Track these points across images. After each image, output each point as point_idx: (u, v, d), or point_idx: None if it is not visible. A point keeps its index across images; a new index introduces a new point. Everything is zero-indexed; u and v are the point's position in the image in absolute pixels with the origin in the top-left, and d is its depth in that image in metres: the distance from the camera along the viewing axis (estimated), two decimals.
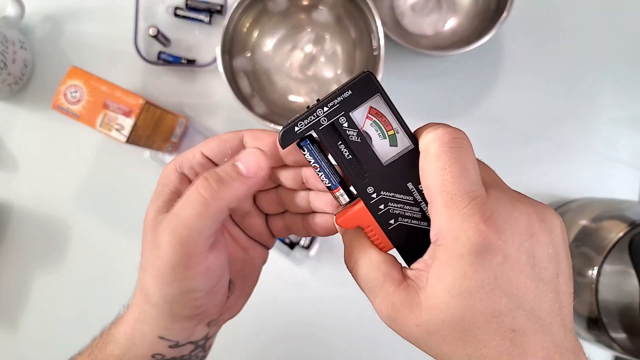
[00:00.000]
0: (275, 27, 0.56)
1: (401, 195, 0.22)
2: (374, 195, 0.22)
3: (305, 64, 0.56)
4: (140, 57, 0.55)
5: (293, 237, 0.57)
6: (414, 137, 0.22)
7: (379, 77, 0.48)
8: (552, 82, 0.60)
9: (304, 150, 0.22)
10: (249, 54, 0.55)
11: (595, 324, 0.45)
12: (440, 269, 0.19)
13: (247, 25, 0.55)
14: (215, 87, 0.58)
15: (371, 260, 0.22)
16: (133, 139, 0.47)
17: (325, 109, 0.21)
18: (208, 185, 0.21)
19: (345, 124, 0.21)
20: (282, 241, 0.57)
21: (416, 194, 0.22)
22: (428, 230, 0.21)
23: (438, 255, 0.20)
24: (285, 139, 0.22)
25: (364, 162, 0.22)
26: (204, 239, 0.21)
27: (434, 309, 0.19)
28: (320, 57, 0.56)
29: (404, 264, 0.23)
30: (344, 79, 0.54)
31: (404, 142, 0.22)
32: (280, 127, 0.53)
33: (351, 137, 0.22)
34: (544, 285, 0.19)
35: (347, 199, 0.23)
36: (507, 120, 0.59)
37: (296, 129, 0.21)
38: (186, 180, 0.24)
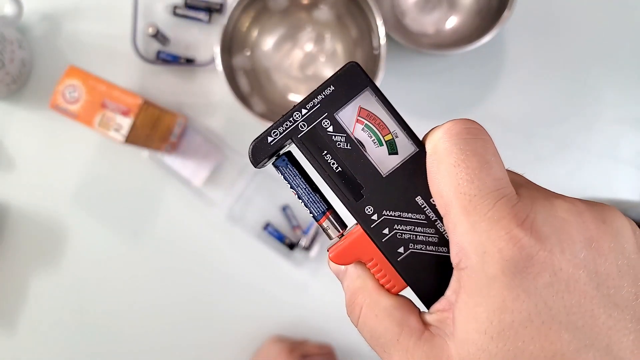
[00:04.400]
0: (276, 25, 0.55)
1: (410, 214, 0.17)
2: (375, 217, 0.17)
3: (305, 63, 0.55)
4: (138, 56, 0.54)
5: (293, 238, 0.57)
6: (418, 140, 0.18)
7: (380, 76, 0.47)
8: (554, 80, 0.59)
9: (278, 171, 0.19)
10: (248, 53, 0.54)
11: None
12: (470, 303, 0.15)
13: (247, 23, 0.54)
14: (214, 86, 0.58)
15: (380, 306, 0.17)
16: (131, 138, 0.47)
17: (304, 111, 0.17)
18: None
19: (330, 128, 0.17)
20: (282, 242, 0.56)
21: (428, 211, 0.17)
22: (449, 257, 0.16)
23: (464, 283, 0.15)
24: (257, 155, 0.18)
25: (358, 175, 0.17)
26: None
27: None
28: (320, 56, 0.55)
29: (422, 307, 0.18)
30: None
31: (406, 148, 0.17)
32: None
33: (339, 144, 0.17)
34: (619, 313, 0.14)
35: (339, 231, 0.19)
36: (509, 119, 0.59)
37: (269, 139, 0.17)
38: None
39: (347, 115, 0.17)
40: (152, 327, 0.58)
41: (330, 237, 0.19)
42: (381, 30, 0.48)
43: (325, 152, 0.18)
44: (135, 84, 0.58)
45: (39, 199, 0.58)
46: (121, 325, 0.59)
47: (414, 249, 0.17)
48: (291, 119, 0.17)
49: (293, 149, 0.19)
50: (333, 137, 0.17)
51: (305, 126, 0.17)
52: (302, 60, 0.55)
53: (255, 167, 0.18)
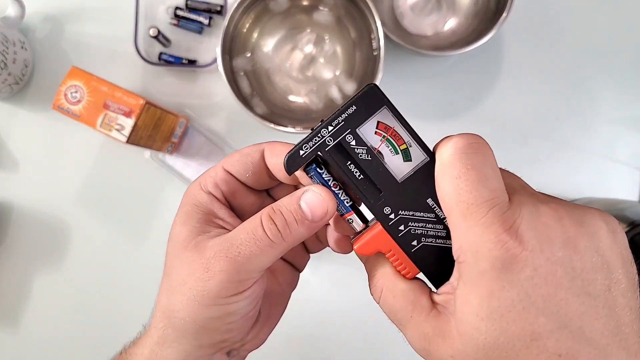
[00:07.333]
0: (276, 27, 0.56)
1: (421, 213, 0.20)
2: (392, 216, 0.20)
3: (305, 64, 0.56)
4: (140, 58, 0.55)
5: None
6: (429, 150, 0.20)
7: (379, 78, 0.48)
8: (551, 82, 0.60)
9: (311, 176, 0.21)
10: (249, 54, 0.55)
11: None
12: (466, 290, 0.18)
13: (248, 25, 0.55)
14: (215, 87, 0.58)
15: (397, 289, 0.20)
16: (133, 139, 0.48)
17: (330, 127, 0.20)
18: (275, 229, 0.21)
19: (353, 142, 0.20)
20: None
21: (438, 210, 0.20)
22: None
23: (462, 274, 0.18)
24: (291, 165, 0.20)
25: (378, 181, 0.20)
26: (260, 272, 0.22)
27: (465, 336, 0.18)
28: (320, 58, 0.56)
29: (433, 288, 0.21)
30: (343, 80, 0.54)
31: (418, 156, 0.20)
32: (279, 127, 0.53)
33: (361, 156, 0.20)
34: (592, 301, 0.17)
35: (361, 224, 0.22)
36: (507, 120, 0.60)
37: (301, 152, 0.20)
38: (216, 199, 0.23)
39: (368, 130, 0.20)
40: None
41: (354, 230, 0.22)
42: (380, 32, 0.49)
43: (349, 162, 0.20)
44: (138, 85, 0.58)
45: (41, 199, 0.58)
46: (123, 324, 0.59)
47: (426, 242, 0.21)
48: (319, 134, 0.20)
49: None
50: (355, 149, 0.20)
51: (331, 141, 0.20)
52: (302, 61, 0.56)
53: (288, 175, 0.21)
